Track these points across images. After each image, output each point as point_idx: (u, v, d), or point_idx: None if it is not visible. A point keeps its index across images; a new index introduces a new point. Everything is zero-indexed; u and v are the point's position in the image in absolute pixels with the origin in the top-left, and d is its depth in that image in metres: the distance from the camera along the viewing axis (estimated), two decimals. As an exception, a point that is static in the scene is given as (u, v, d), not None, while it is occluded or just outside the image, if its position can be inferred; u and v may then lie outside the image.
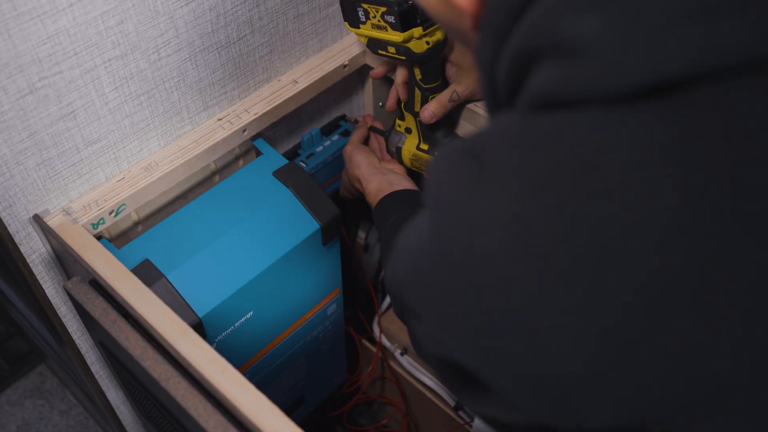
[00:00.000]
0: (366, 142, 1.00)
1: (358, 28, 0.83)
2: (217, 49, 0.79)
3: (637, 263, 0.32)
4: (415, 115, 0.90)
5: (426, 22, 0.79)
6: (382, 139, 0.99)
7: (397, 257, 0.49)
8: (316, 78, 0.90)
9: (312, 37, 0.91)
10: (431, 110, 0.87)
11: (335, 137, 1.03)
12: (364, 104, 1.10)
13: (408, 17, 0.78)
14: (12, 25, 0.59)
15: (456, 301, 0.38)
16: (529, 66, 0.37)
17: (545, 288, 0.34)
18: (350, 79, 1.03)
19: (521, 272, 0.34)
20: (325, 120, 1.05)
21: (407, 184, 0.86)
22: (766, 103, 0.31)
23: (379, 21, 0.79)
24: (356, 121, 1.07)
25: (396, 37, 0.79)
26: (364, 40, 0.84)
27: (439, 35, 0.81)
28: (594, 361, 0.33)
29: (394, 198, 0.83)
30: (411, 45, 0.80)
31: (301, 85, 0.89)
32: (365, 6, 0.80)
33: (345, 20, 0.84)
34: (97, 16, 0.65)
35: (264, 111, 0.86)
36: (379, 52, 0.84)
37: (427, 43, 0.80)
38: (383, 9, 0.78)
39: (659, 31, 0.31)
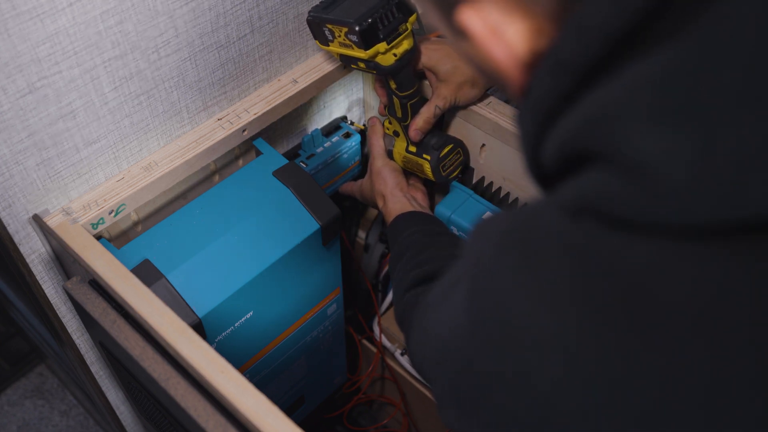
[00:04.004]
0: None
1: (328, 45, 0.84)
2: (216, 48, 0.79)
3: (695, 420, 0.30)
4: (399, 120, 0.91)
5: (390, 35, 0.79)
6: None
7: (426, 337, 0.46)
8: (316, 78, 0.90)
9: (312, 36, 0.91)
10: (418, 129, 0.89)
11: (336, 138, 1.03)
12: (364, 104, 1.10)
13: (369, 35, 0.78)
14: (11, 24, 0.59)
15: (486, 404, 0.36)
16: (580, 162, 0.33)
17: (585, 418, 0.32)
18: (351, 79, 1.03)
19: (564, 400, 0.32)
20: (326, 120, 1.05)
21: (427, 211, 0.89)
22: None
23: (344, 40, 0.80)
24: (353, 124, 1.07)
25: (362, 54, 0.79)
26: (337, 56, 0.85)
27: (405, 45, 0.81)
28: None
29: (412, 215, 0.85)
30: (378, 60, 0.81)
31: (301, 84, 0.89)
32: (329, 26, 0.80)
33: (315, 39, 0.85)
34: (96, 15, 0.65)
35: (264, 111, 0.85)
36: (352, 66, 0.85)
37: (395, 55, 0.81)
38: (345, 29, 0.78)
39: (745, 161, 0.27)
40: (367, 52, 0.79)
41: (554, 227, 0.34)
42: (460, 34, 0.37)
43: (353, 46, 0.80)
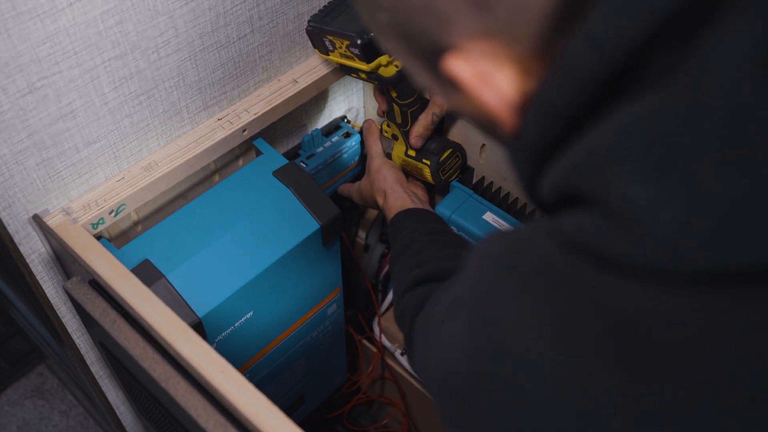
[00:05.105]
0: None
1: (328, 55, 0.84)
2: (216, 48, 0.79)
3: None
4: (399, 126, 0.91)
5: None
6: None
7: (428, 355, 0.47)
8: (316, 78, 0.90)
9: (312, 36, 0.91)
10: (418, 136, 0.89)
11: (336, 138, 1.03)
12: (364, 104, 1.10)
13: (372, 49, 0.77)
14: (11, 24, 0.59)
15: (484, 426, 0.37)
16: (574, 200, 0.33)
17: None
18: (351, 79, 1.03)
19: (556, 427, 0.33)
20: (326, 120, 1.05)
21: (428, 207, 0.89)
22: None
23: (345, 51, 0.80)
24: (350, 123, 1.07)
25: (364, 66, 0.79)
26: (336, 64, 0.85)
27: None
28: None
29: (413, 212, 0.85)
30: (380, 71, 0.80)
31: (301, 84, 0.89)
32: (330, 37, 0.80)
33: (314, 47, 0.85)
34: (96, 15, 0.65)
35: (264, 111, 0.85)
36: (352, 75, 0.85)
37: (396, 66, 0.80)
38: (347, 42, 0.78)
39: (728, 212, 0.27)
40: (369, 65, 0.79)
41: (548, 257, 0.34)
42: (448, 83, 0.36)
43: (355, 58, 0.79)
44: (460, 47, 0.34)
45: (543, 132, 0.33)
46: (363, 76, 0.83)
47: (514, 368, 0.35)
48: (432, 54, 0.36)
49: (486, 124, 0.39)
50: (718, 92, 0.27)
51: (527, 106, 0.34)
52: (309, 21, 0.82)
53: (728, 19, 0.27)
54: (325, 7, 0.82)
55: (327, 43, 0.81)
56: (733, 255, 0.28)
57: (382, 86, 0.87)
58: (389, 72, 0.80)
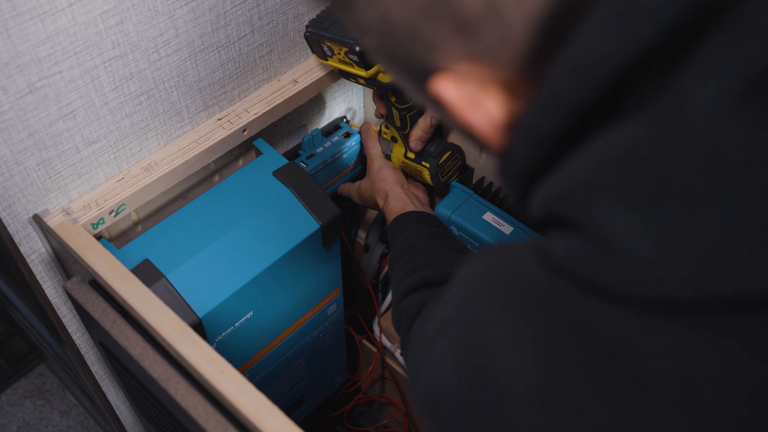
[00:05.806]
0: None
1: (326, 60, 0.84)
2: (216, 48, 0.79)
3: None
4: (397, 129, 0.91)
5: None
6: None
7: (418, 369, 0.47)
8: (316, 78, 0.90)
9: (312, 37, 0.91)
10: (417, 139, 0.90)
11: (336, 138, 1.03)
12: (364, 105, 1.10)
13: None
14: (11, 24, 0.59)
15: None
16: (559, 224, 0.33)
17: None
18: (350, 79, 1.03)
19: None
20: (326, 120, 1.05)
21: (428, 210, 0.89)
22: None
23: (344, 57, 0.80)
24: (349, 123, 1.07)
25: (362, 72, 0.79)
26: (335, 69, 0.85)
27: None
28: None
29: (413, 215, 0.85)
30: (379, 77, 0.80)
31: (301, 84, 0.89)
32: (329, 44, 0.80)
33: (312, 53, 0.85)
34: (96, 15, 0.65)
35: (264, 111, 0.85)
36: (350, 80, 0.85)
37: None
38: (345, 48, 0.78)
39: (709, 245, 0.27)
40: (368, 71, 0.79)
41: (533, 279, 0.34)
42: (435, 103, 0.37)
43: (353, 64, 0.80)
44: (446, 69, 0.34)
45: (528, 155, 0.33)
46: (362, 81, 0.83)
47: (498, 395, 0.35)
48: (420, 75, 0.36)
49: (476, 141, 0.39)
50: (697, 125, 0.27)
51: (514, 125, 0.34)
52: (307, 27, 0.82)
53: (710, 49, 0.27)
54: (323, 11, 0.82)
55: (325, 48, 0.81)
56: (712, 287, 0.28)
57: (381, 91, 0.88)
58: (388, 78, 0.81)
